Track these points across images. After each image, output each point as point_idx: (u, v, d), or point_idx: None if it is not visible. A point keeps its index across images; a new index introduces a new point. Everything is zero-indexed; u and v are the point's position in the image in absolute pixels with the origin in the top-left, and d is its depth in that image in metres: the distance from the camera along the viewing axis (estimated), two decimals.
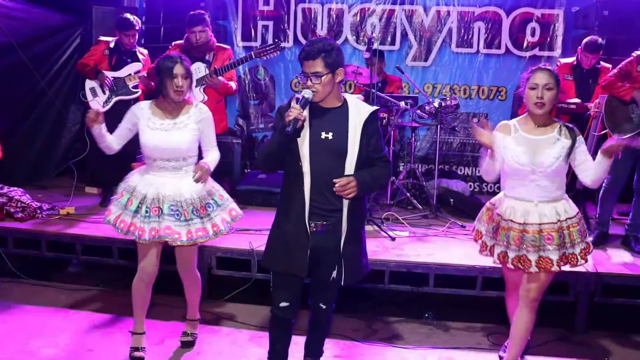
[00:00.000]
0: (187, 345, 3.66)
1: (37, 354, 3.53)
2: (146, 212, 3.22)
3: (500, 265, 3.22)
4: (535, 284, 3.06)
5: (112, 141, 3.36)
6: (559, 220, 3.01)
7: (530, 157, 2.99)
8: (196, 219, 3.26)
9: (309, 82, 2.66)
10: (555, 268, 3.00)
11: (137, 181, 3.31)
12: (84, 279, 4.80)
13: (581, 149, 3.04)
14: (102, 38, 5.52)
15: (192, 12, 4.95)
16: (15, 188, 5.19)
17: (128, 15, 5.38)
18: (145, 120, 3.27)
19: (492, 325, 4.04)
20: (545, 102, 2.97)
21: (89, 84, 5.41)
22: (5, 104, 6.04)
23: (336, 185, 2.63)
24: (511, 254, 3.05)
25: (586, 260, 3.10)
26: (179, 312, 3.97)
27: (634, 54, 4.42)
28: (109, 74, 5.33)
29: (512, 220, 3.05)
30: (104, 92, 5.38)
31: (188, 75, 3.23)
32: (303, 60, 2.67)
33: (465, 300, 4.26)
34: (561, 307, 4.10)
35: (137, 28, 5.39)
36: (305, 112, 2.65)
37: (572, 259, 3.04)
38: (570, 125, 3.11)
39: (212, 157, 3.43)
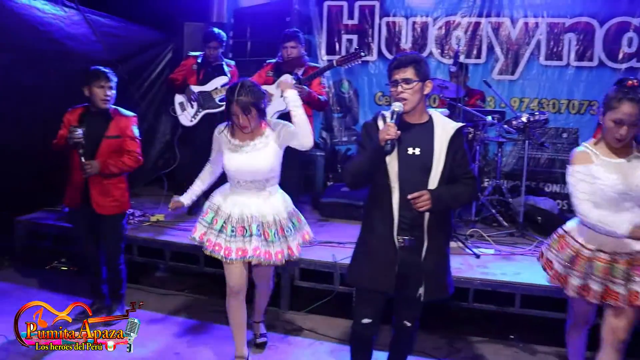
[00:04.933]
0: (264, 346, 3.77)
1: (127, 353, 3.67)
2: (232, 231, 3.24)
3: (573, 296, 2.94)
4: (623, 322, 2.79)
5: (207, 176, 3.50)
6: None
7: (625, 183, 2.72)
8: (277, 241, 3.27)
9: (399, 88, 2.66)
10: None
11: (221, 201, 3.35)
12: (170, 284, 4.98)
13: None
14: (191, 53, 5.73)
15: (287, 30, 5.07)
16: None
17: (211, 29, 5.55)
18: (226, 143, 3.31)
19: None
20: (627, 138, 2.72)
21: (178, 98, 5.63)
22: None
23: (408, 196, 2.61)
24: (595, 286, 2.80)
25: None
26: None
27: None
28: (196, 88, 5.53)
29: (600, 250, 2.82)
30: (192, 106, 5.58)
31: (249, 109, 3.13)
32: (394, 69, 2.69)
33: (554, 323, 4.07)
34: None
35: (220, 40, 5.49)
36: None
37: None
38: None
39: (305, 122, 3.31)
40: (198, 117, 5.56)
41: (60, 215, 5.26)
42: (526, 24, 6.74)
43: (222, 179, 3.51)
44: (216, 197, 3.39)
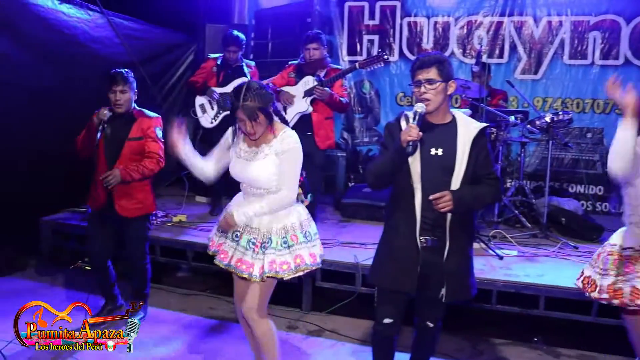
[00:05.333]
0: None
1: (149, 352, 3.73)
2: (235, 236, 3.03)
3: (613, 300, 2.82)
4: None
5: (206, 164, 3.15)
6: None
7: None
8: (249, 250, 2.95)
9: (422, 89, 2.64)
10: None
11: (234, 202, 3.17)
12: (192, 284, 5.01)
13: None
14: (211, 55, 5.75)
15: (310, 31, 5.08)
16: None
17: (231, 32, 5.55)
18: (234, 146, 3.07)
19: (610, 357, 3.79)
20: None
21: (199, 100, 5.67)
22: None
23: (430, 197, 2.60)
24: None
25: None
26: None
27: None
28: (217, 90, 5.56)
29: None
30: (212, 108, 5.61)
31: (254, 116, 2.84)
32: (417, 69, 2.67)
33: (579, 326, 4.01)
34: None
35: (239, 43, 5.50)
36: None
37: None
38: None
39: (276, 196, 2.94)
40: (218, 119, 5.59)
41: (84, 215, 5.32)
42: (550, 22, 6.67)
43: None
44: (233, 199, 3.22)
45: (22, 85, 4.98)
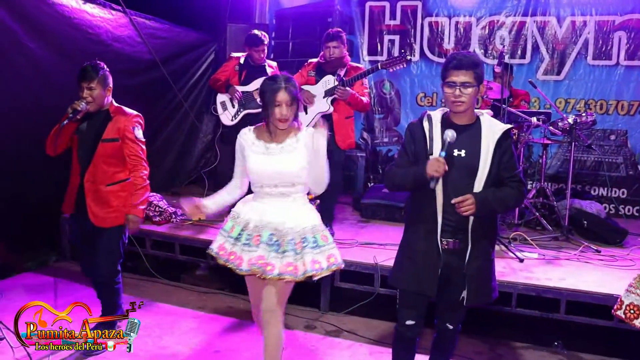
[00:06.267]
0: None
1: (169, 349, 3.76)
2: (247, 239, 2.93)
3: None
4: None
5: (232, 190, 3.11)
6: None
7: None
8: (290, 251, 2.86)
9: (457, 92, 2.60)
10: None
11: (241, 207, 3.07)
12: (211, 282, 5.03)
13: None
14: (234, 54, 5.78)
15: (330, 29, 5.08)
16: (154, 194, 5.58)
17: (256, 32, 5.57)
18: (249, 146, 2.99)
19: None
20: None
21: (220, 98, 5.70)
22: (148, 116, 6.47)
23: (452, 201, 2.58)
24: None
25: None
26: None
27: None
28: (239, 89, 5.58)
29: None
30: (233, 106, 5.64)
31: (294, 101, 2.89)
32: (453, 69, 2.61)
33: (602, 331, 3.95)
34: None
35: (266, 43, 5.54)
36: (438, 129, 2.64)
37: None
38: None
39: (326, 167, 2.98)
40: (239, 117, 5.62)
41: None
42: (573, 22, 6.60)
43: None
44: (237, 205, 3.12)
45: (48, 83, 5.05)
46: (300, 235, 2.89)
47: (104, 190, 3.49)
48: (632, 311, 2.71)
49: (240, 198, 3.13)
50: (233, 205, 3.15)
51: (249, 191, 3.14)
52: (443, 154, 2.57)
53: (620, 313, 2.79)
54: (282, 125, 2.92)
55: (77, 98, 3.44)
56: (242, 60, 5.63)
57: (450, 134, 2.60)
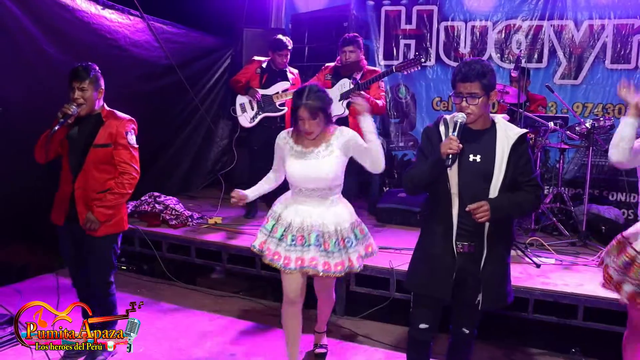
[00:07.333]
0: (323, 357, 3.72)
1: (185, 352, 3.78)
2: (292, 240, 3.14)
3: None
4: None
5: (271, 180, 3.41)
6: None
7: None
8: (337, 251, 3.14)
9: (463, 103, 2.61)
10: None
11: (283, 208, 3.26)
12: (226, 286, 5.06)
13: None
14: (256, 57, 5.79)
15: (346, 34, 5.10)
16: (170, 197, 5.64)
17: (281, 37, 5.60)
18: (289, 150, 3.21)
19: None
20: None
21: (240, 99, 5.73)
22: (165, 120, 6.58)
23: (467, 208, 2.58)
24: None
25: None
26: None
27: None
28: (259, 91, 5.61)
29: None
30: (252, 108, 5.67)
31: (317, 113, 3.06)
32: (459, 82, 2.62)
33: (619, 338, 3.90)
34: None
35: (290, 48, 5.57)
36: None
37: None
38: None
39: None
40: (257, 120, 5.64)
41: None
42: (591, 26, 6.53)
43: (283, 188, 3.46)
44: (277, 205, 3.32)
45: (66, 87, 5.11)
46: (343, 236, 3.16)
47: (95, 198, 3.36)
48: (604, 269, 3.00)
49: (277, 187, 3.43)
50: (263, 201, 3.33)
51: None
52: (455, 133, 2.57)
53: (601, 267, 3.05)
54: (308, 137, 3.13)
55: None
56: (264, 64, 5.66)
57: (461, 115, 2.61)
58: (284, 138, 3.27)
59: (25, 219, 4.76)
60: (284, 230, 3.17)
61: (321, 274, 3.11)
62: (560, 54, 6.67)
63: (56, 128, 3.25)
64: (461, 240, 2.67)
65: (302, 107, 3.04)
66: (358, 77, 4.82)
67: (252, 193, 3.37)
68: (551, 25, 6.67)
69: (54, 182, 3.52)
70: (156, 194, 5.57)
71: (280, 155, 3.29)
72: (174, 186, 6.85)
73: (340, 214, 3.23)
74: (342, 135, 3.19)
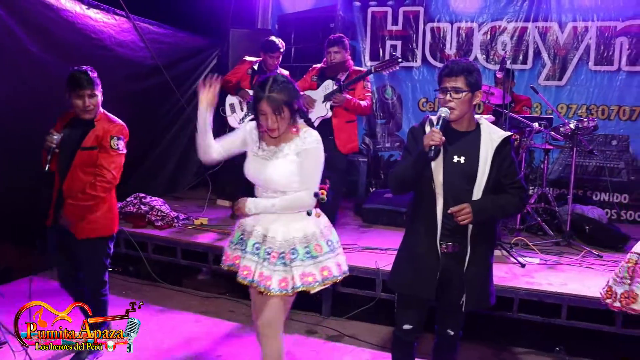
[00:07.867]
0: None
1: (170, 353, 3.77)
2: (240, 238, 2.84)
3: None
4: None
5: (214, 146, 2.87)
6: None
7: None
8: (280, 265, 2.68)
9: (447, 97, 2.63)
10: None
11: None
12: (212, 287, 5.04)
13: None
14: (247, 58, 5.73)
15: (332, 35, 5.10)
16: (156, 198, 5.60)
17: (274, 38, 5.52)
18: (252, 143, 2.83)
19: None
20: None
21: (229, 100, 5.71)
22: (151, 120, 6.54)
23: (449, 210, 2.59)
24: None
25: None
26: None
27: None
28: (250, 92, 5.60)
29: None
30: (242, 109, 5.65)
31: (282, 109, 2.64)
32: (445, 76, 2.65)
33: (603, 336, 3.95)
34: None
35: (282, 50, 5.52)
36: None
37: None
38: None
39: (292, 196, 2.73)
40: (246, 121, 5.61)
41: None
42: (575, 28, 6.61)
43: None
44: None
45: (50, 86, 5.06)
46: (290, 246, 2.70)
47: (82, 199, 3.32)
48: (627, 297, 2.81)
49: (209, 157, 2.90)
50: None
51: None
52: (438, 127, 2.58)
53: (603, 292, 2.93)
54: (272, 134, 2.72)
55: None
56: (255, 66, 5.62)
57: (445, 110, 2.62)
58: (253, 127, 2.84)
59: (10, 220, 4.71)
60: (241, 234, 2.86)
61: (251, 283, 2.71)
62: (544, 55, 6.74)
63: (46, 168, 3.32)
64: (445, 240, 2.68)
65: (264, 100, 2.63)
66: (343, 78, 4.84)
67: (208, 120, 2.86)
68: (536, 27, 6.74)
69: (39, 183, 3.50)
70: (142, 195, 5.53)
71: (243, 138, 2.87)
72: (160, 187, 6.81)
73: (293, 223, 2.75)
74: (305, 142, 2.73)
